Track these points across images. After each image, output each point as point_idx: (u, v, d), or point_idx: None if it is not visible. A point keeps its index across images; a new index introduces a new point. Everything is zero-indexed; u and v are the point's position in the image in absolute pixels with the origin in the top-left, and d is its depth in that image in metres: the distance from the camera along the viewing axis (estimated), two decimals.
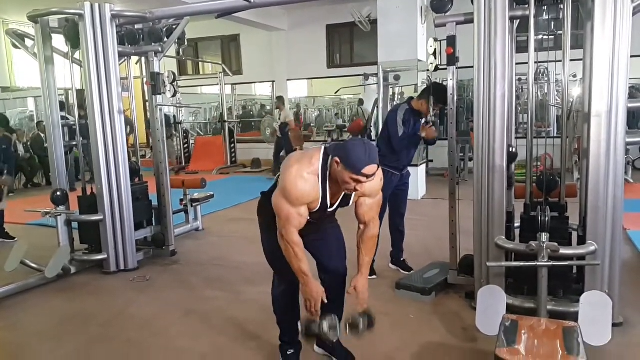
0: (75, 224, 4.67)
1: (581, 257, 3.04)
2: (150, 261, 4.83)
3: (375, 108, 8.53)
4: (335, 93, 12.20)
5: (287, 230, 2.30)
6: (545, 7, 3.31)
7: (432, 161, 9.70)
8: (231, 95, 13.53)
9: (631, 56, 2.87)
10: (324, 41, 12.19)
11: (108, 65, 4.40)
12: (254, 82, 13.96)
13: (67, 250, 4.43)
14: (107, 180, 4.44)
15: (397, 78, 8.59)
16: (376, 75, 8.36)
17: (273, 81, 13.04)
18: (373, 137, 9.27)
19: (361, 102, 12.05)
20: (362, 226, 2.55)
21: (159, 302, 3.86)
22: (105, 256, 4.49)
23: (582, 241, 3.14)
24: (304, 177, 2.27)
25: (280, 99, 10.78)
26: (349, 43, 12.25)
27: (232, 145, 12.33)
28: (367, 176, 2.18)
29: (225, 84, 12.37)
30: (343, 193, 2.39)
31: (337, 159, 2.21)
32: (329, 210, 2.42)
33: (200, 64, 14.21)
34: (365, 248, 2.54)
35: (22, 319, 3.65)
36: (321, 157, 2.30)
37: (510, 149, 3.24)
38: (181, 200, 5.79)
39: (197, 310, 3.65)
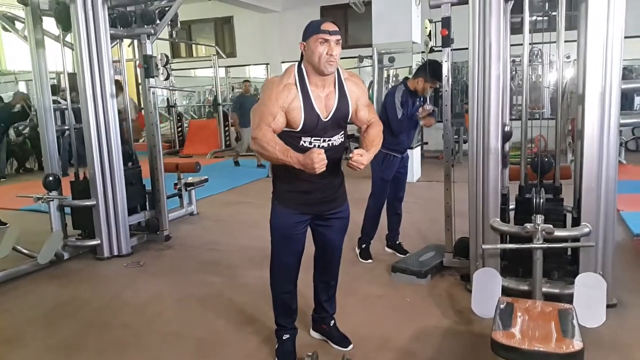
0: (68, 209, 4.63)
1: (576, 239, 3.04)
2: (144, 246, 4.81)
3: (370, 90, 8.45)
4: None
5: (259, 128, 2.25)
6: None
7: (427, 143, 9.68)
8: (225, 77, 13.42)
9: (625, 37, 2.84)
10: None
11: (100, 48, 4.32)
12: (248, 65, 13.82)
13: (60, 236, 4.40)
14: (99, 165, 4.39)
15: (391, 60, 8.54)
16: (371, 57, 8.30)
17: (267, 63, 12.93)
18: None
19: None
20: (364, 127, 2.54)
21: (154, 287, 3.85)
22: (99, 242, 4.47)
23: (576, 223, 3.14)
24: (282, 82, 2.30)
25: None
26: (343, 25, 12.09)
27: (227, 128, 12.25)
28: (329, 32, 2.23)
29: (219, 67, 12.24)
30: (336, 102, 2.36)
31: (301, 44, 2.31)
32: (325, 120, 2.34)
33: (194, 46, 14.05)
34: (370, 140, 2.46)
35: (15, 306, 3.63)
36: (296, 66, 2.36)
37: (505, 128, 3.22)
38: (175, 184, 5.76)
39: (193, 295, 3.64)
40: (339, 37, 2.26)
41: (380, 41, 7.72)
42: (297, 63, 2.38)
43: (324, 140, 2.37)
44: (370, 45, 7.98)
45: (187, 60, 14.07)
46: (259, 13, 12.09)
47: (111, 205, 4.47)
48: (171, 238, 4.96)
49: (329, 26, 2.25)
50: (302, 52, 2.35)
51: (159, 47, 9.28)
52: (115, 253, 4.53)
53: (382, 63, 8.41)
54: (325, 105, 2.35)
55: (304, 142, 2.36)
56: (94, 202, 4.42)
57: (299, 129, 2.32)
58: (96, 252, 4.52)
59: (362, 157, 2.26)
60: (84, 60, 4.28)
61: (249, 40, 12.88)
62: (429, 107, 4.00)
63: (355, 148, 2.34)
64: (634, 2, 3.11)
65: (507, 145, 3.39)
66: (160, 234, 4.89)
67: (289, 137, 2.34)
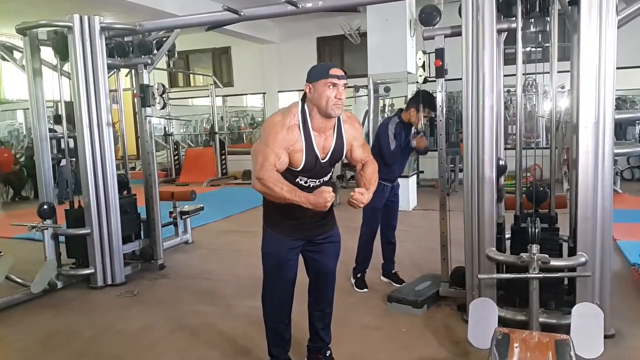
0: (62, 238, 4.59)
1: (572, 269, 3.03)
2: (139, 275, 4.76)
3: (366, 119, 8.54)
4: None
5: (264, 169, 2.25)
6: (533, 20, 3.33)
7: (422, 172, 9.71)
8: (222, 107, 13.54)
9: (617, 68, 2.89)
10: (315, 53, 12.25)
11: (97, 77, 4.37)
12: (245, 94, 13.97)
13: (54, 265, 4.36)
14: (94, 193, 4.39)
15: (387, 90, 8.64)
16: (366, 87, 8.40)
17: (264, 93, 13.06)
18: None
19: None
20: (359, 166, 2.59)
21: (147, 317, 3.80)
22: (92, 270, 4.42)
23: (572, 252, 3.13)
24: (285, 124, 2.32)
25: None
26: (339, 55, 12.31)
27: (223, 156, 12.30)
28: (338, 76, 2.28)
29: (216, 96, 12.36)
30: (333, 144, 2.40)
31: (307, 85, 2.34)
32: (323, 161, 2.40)
33: (191, 75, 14.21)
34: (368, 179, 2.52)
35: (7, 335, 3.58)
36: (299, 107, 2.38)
37: (500, 162, 3.25)
38: (170, 212, 5.73)
39: (187, 325, 3.59)
40: (346, 81, 2.32)
41: (375, 72, 7.83)
42: (300, 103, 2.41)
43: (318, 182, 2.45)
44: (365, 75, 8.09)
45: (184, 90, 14.20)
46: (257, 44, 12.27)
47: (105, 234, 4.45)
48: (165, 267, 4.92)
49: (337, 71, 2.31)
50: (305, 93, 2.39)
51: (156, 77, 9.39)
52: (109, 282, 4.48)
53: (377, 92, 8.51)
54: (323, 147, 2.40)
55: (300, 180, 2.41)
56: (89, 231, 4.39)
57: (298, 169, 2.37)
58: (90, 281, 4.47)
59: (362, 196, 2.30)
60: (81, 90, 4.32)
61: (246, 70, 13.04)
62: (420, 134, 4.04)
63: (351, 176, 2.41)
64: (627, 33, 3.18)
65: (501, 179, 3.41)
66: (155, 262, 4.85)
67: (286, 175, 2.37)
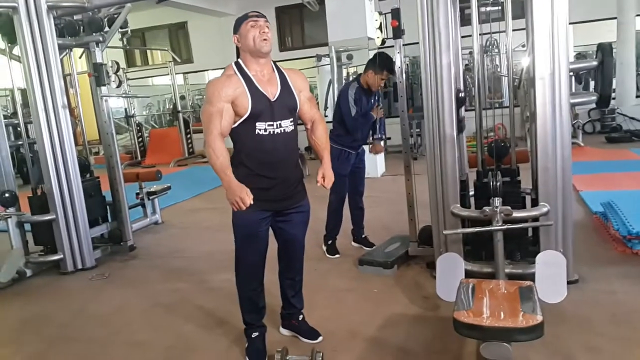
0: (28, 226, 4.49)
1: (535, 219, 3.12)
2: (109, 258, 4.70)
3: (330, 89, 8.49)
4: None
5: (210, 133, 2.33)
6: None
7: (389, 138, 9.76)
8: (184, 85, 13.25)
9: (576, 22, 2.94)
10: (274, 23, 12.02)
11: (48, 59, 4.22)
12: (207, 70, 13.68)
13: (21, 253, 4.28)
14: (56, 178, 4.28)
15: (349, 57, 8.58)
16: (329, 56, 8.32)
17: (225, 68, 12.79)
18: (330, 118, 9.25)
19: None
20: (309, 125, 2.66)
21: (120, 298, 3.77)
22: (62, 256, 4.35)
23: (535, 204, 3.22)
24: (223, 79, 2.41)
25: None
26: (300, 24, 12.13)
27: (189, 136, 12.09)
28: (256, 15, 2.41)
29: (176, 73, 12.08)
30: (279, 86, 2.45)
31: (234, 37, 2.44)
32: (274, 100, 2.42)
33: (149, 53, 13.83)
34: (320, 144, 2.64)
35: None
36: (233, 62, 2.48)
37: (460, 94, 3.26)
38: (137, 194, 5.64)
39: (160, 303, 3.58)
40: (266, 19, 2.44)
41: (336, 39, 7.74)
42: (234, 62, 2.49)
43: (277, 126, 2.43)
44: (327, 44, 8.00)
45: (143, 69, 13.82)
46: (214, 17, 11.97)
47: (71, 219, 4.36)
48: (136, 248, 4.87)
49: (254, 12, 2.44)
50: (237, 48, 2.47)
51: (112, 56, 9.11)
52: (80, 266, 4.41)
53: (340, 61, 8.44)
54: (269, 87, 2.44)
55: (259, 129, 2.41)
56: (54, 216, 4.30)
57: (249, 113, 2.37)
58: (60, 267, 4.39)
59: (326, 179, 2.52)
60: (33, 73, 4.17)
61: (205, 45, 12.75)
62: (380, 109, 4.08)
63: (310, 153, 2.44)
64: None
65: (461, 111, 3.42)
66: (124, 244, 4.79)
67: (244, 128, 2.40)
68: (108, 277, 4.23)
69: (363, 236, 4.41)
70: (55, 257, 4.36)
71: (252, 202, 2.32)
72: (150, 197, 5.69)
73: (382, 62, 3.80)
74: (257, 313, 2.72)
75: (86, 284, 4.15)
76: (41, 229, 4.42)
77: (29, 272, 4.33)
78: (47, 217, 4.31)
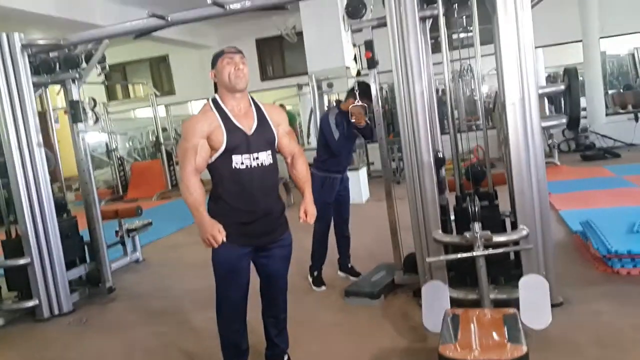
0: (1, 271, 4.36)
1: (516, 243, 3.11)
2: (87, 301, 4.55)
3: (311, 117, 8.52)
4: None
5: (184, 169, 2.36)
6: (456, 6, 3.38)
7: (372, 163, 9.80)
8: (166, 116, 13.22)
9: (544, 46, 3.00)
10: (255, 55, 12.16)
11: (22, 97, 4.18)
12: (189, 101, 13.69)
13: None
14: (31, 220, 4.17)
15: (330, 85, 8.65)
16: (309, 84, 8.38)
17: (207, 98, 12.77)
18: (313, 146, 9.26)
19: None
20: (289, 159, 2.67)
21: (99, 345, 3.63)
22: (37, 302, 4.18)
23: (515, 227, 3.21)
24: (199, 115, 2.46)
25: None
26: (280, 55, 12.27)
27: (172, 168, 12.00)
28: (232, 52, 2.44)
29: (158, 105, 12.06)
30: (255, 119, 2.46)
31: (211, 72, 2.49)
32: (250, 134, 2.42)
33: (130, 87, 13.83)
34: (301, 178, 2.65)
35: None
36: (210, 99, 2.51)
37: (438, 154, 3.29)
38: (117, 231, 5.52)
39: (141, 348, 3.47)
40: (242, 55, 2.47)
41: (315, 68, 7.80)
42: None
43: (254, 159, 2.42)
44: (307, 73, 8.06)
45: (124, 102, 13.80)
46: (195, 49, 12.05)
47: (47, 261, 4.21)
48: (115, 289, 4.69)
49: (231, 49, 2.48)
50: (214, 84, 2.51)
51: (93, 91, 9.08)
52: (56, 312, 4.24)
53: (321, 89, 8.51)
54: (245, 121, 2.45)
55: (236, 163, 2.40)
56: (28, 260, 4.16)
57: (224, 146, 2.37)
58: (35, 314, 4.22)
59: (308, 215, 2.55)
60: (6, 110, 4.12)
61: (187, 77, 12.81)
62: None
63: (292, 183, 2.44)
64: (552, 12, 3.30)
65: (442, 171, 3.46)
66: (102, 286, 4.64)
67: (221, 162, 2.41)
68: (86, 322, 4.09)
69: (349, 265, 4.36)
70: (31, 304, 4.19)
71: (224, 240, 2.31)
72: (131, 235, 5.57)
73: (361, 91, 3.84)
74: (240, 357, 2.64)
75: (63, 330, 4.00)
76: (15, 274, 4.28)
77: (1, 321, 4.16)
78: (21, 261, 4.18)
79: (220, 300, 2.58)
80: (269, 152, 2.48)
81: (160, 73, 13.41)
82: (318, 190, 4.02)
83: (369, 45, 3.43)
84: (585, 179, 7.33)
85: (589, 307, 3.20)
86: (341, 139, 4.01)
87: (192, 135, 2.36)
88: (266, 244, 2.54)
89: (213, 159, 2.40)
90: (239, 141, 2.38)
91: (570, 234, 4.72)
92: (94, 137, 11.75)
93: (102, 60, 4.93)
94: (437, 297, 2.79)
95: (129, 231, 5.52)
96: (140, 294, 4.69)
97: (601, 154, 9.33)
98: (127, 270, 5.44)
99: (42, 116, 4.61)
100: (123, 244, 5.54)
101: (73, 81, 4.56)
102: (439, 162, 3.33)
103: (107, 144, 12.07)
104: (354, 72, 3.59)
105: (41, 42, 4.38)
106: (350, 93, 3.96)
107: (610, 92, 11.55)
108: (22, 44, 4.18)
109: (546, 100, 7.98)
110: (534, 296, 2.70)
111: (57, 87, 4.78)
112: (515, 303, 2.81)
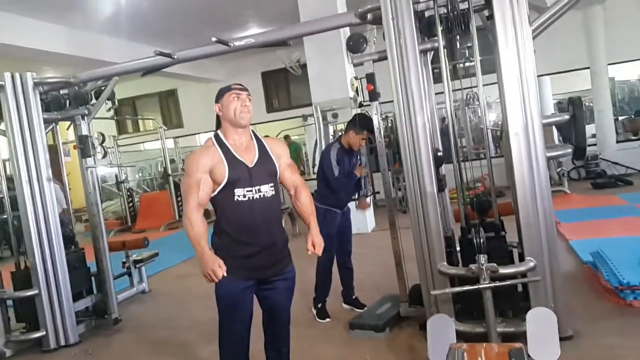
0: (10, 302, 4.37)
1: (523, 275, 3.06)
2: (93, 332, 4.55)
3: (316, 148, 8.59)
4: (277, 136, 12.31)
5: (188, 204, 2.39)
6: (458, 37, 3.43)
7: (378, 192, 9.76)
8: (174, 148, 13.39)
9: (551, 73, 3.03)
10: (261, 87, 12.38)
11: (33, 133, 4.28)
12: (197, 134, 13.86)
13: (0, 332, 4.13)
14: (39, 252, 4.21)
15: (335, 116, 8.70)
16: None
17: (214, 130, 12.97)
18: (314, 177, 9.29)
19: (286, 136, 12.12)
20: (292, 191, 2.68)
21: None
22: (44, 333, 4.19)
23: (522, 258, 3.16)
24: (202, 150, 2.50)
25: None
26: (285, 87, 12.47)
27: (179, 198, 12.06)
28: (239, 88, 2.51)
29: (166, 138, 12.22)
30: (257, 152, 2.49)
31: (216, 106, 2.53)
32: (252, 166, 2.45)
33: (140, 120, 14.08)
34: (306, 210, 2.65)
35: None
36: (212, 135, 2.56)
37: (438, 153, 3.27)
38: (123, 262, 5.54)
39: None
40: (248, 93, 2.55)
41: (319, 100, 7.94)
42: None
43: (256, 191, 2.44)
44: (311, 104, 8.17)
45: (134, 135, 14.02)
46: (202, 84, 12.28)
47: (55, 293, 4.24)
48: (121, 320, 4.69)
49: (238, 85, 2.54)
50: (217, 117, 2.55)
51: (103, 126, 9.24)
52: (63, 343, 4.25)
53: (326, 120, 8.59)
54: (247, 154, 2.48)
55: (238, 195, 2.42)
56: (37, 292, 4.19)
57: (226, 180, 2.40)
58: (42, 345, 4.23)
59: (315, 246, 2.54)
60: (18, 147, 4.22)
61: (195, 110, 13.03)
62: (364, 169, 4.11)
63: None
64: (559, 40, 3.34)
65: (441, 169, 3.41)
66: (109, 317, 4.63)
67: (224, 195, 2.42)
68: (91, 354, 4.08)
69: (353, 297, 4.32)
70: (37, 335, 4.21)
71: (225, 274, 2.30)
72: (137, 266, 5.58)
73: (362, 122, 3.88)
74: None
75: None
76: (24, 305, 4.31)
77: (8, 352, 4.17)
78: (29, 293, 4.20)
79: (223, 334, 2.57)
80: (271, 184, 2.50)
81: (169, 106, 13.66)
82: (321, 222, 3.99)
83: (370, 78, 3.48)
84: (595, 208, 7.20)
85: (599, 340, 3.13)
86: (341, 176, 4.00)
87: (195, 171, 2.41)
88: (269, 277, 2.54)
89: (216, 192, 2.43)
90: (240, 174, 2.42)
91: (580, 264, 4.64)
92: (104, 169, 11.91)
93: (112, 96, 5.04)
94: (443, 331, 2.75)
95: (135, 262, 5.54)
96: (146, 325, 4.68)
97: (612, 181, 9.18)
98: (134, 301, 5.44)
99: (53, 149, 4.70)
100: (130, 275, 5.54)
101: (82, 117, 4.66)
102: (439, 161, 3.29)
103: (116, 176, 12.21)
104: (356, 105, 3.64)
105: (52, 79, 4.52)
106: (351, 125, 4.00)
107: (620, 118, 11.51)
108: (34, 82, 4.30)
109: (554, 129, 7.95)
110: (542, 329, 2.66)
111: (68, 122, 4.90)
112: (523, 336, 2.77)
